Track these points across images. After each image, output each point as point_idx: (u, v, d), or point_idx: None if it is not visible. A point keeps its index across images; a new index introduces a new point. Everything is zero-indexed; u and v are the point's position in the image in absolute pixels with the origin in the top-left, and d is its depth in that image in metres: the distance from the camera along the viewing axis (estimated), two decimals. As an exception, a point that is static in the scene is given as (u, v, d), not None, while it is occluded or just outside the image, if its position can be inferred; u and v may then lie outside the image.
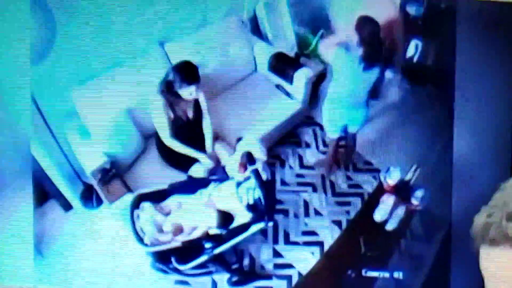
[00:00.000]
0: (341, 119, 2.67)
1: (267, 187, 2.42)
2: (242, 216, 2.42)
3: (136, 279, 2.43)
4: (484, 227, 0.90)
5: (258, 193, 2.40)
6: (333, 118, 2.68)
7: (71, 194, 2.53)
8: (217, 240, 2.38)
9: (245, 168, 2.46)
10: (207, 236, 2.38)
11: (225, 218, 2.43)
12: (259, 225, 2.40)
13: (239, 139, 2.57)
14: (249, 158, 2.46)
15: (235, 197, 2.45)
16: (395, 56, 2.66)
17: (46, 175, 2.46)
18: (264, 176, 2.44)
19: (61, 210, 2.52)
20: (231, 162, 2.54)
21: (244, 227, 2.40)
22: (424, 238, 2.52)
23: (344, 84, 2.60)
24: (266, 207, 2.39)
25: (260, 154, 2.50)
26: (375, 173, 2.64)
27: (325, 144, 2.76)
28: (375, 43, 2.53)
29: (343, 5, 2.67)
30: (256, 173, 2.42)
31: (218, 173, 2.55)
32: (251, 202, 2.42)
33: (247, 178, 2.45)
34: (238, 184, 2.47)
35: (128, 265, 2.43)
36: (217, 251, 2.39)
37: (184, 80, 2.49)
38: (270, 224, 2.41)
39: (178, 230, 2.41)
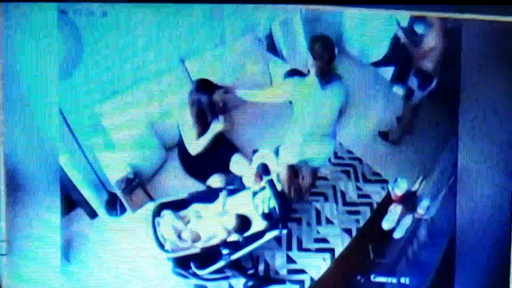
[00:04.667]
0: (300, 154, 2.59)
1: (281, 197, 2.49)
2: (257, 224, 2.48)
3: (158, 283, 2.47)
4: None
5: (273, 203, 2.47)
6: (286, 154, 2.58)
7: (97, 203, 2.58)
8: (234, 246, 2.44)
9: (261, 179, 2.52)
10: (224, 243, 2.44)
11: (244, 222, 2.49)
12: (274, 233, 2.45)
13: (255, 151, 2.62)
14: (264, 169, 2.52)
15: (251, 206, 2.52)
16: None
17: (73, 184, 2.51)
18: (278, 187, 2.51)
19: (87, 218, 2.56)
20: (248, 172, 2.60)
21: (260, 235, 2.45)
22: (429, 246, 2.56)
23: (304, 114, 2.53)
24: (280, 216, 2.44)
25: (275, 166, 2.57)
26: (384, 184, 2.69)
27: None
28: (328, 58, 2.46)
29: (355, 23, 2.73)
30: (271, 183, 2.49)
31: (236, 183, 2.61)
32: (266, 211, 2.48)
33: (263, 188, 2.52)
34: (254, 193, 2.53)
35: (150, 270, 2.47)
36: (234, 257, 2.44)
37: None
38: (284, 231, 2.45)
39: (197, 237, 2.47)
